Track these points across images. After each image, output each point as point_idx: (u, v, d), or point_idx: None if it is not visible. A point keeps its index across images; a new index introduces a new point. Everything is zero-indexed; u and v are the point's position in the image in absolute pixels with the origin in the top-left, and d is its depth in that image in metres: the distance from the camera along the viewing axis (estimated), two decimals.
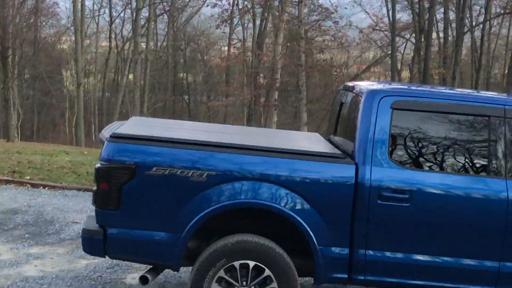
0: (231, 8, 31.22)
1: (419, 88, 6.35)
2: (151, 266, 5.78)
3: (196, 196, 5.42)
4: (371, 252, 5.57)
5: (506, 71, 33.37)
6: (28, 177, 12.14)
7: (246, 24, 36.82)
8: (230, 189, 5.45)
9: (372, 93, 5.77)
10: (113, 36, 45.27)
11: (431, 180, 5.58)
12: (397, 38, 30.39)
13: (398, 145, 5.68)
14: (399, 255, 5.58)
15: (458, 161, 5.75)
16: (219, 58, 39.81)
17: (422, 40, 28.52)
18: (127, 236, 5.49)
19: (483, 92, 6.66)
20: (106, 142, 5.47)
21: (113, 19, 43.85)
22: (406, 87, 6.34)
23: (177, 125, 7.22)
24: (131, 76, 40.71)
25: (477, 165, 5.74)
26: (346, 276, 5.60)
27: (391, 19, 30.06)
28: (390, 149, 5.61)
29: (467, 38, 33.25)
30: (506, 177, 5.61)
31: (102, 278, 6.99)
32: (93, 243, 5.54)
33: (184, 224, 5.40)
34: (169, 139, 5.55)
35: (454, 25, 30.51)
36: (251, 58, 30.80)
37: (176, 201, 5.43)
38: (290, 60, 27.68)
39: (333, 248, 5.53)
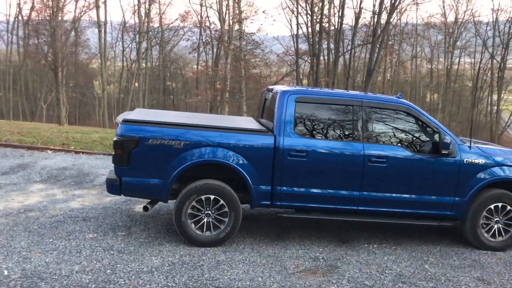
0: (198, 41, 35.60)
1: (312, 89, 6.53)
2: (150, 200, 5.91)
3: (177, 157, 5.59)
4: (284, 188, 5.84)
5: (364, 79, 34.75)
6: (72, 147, 12.04)
7: (208, 51, 38.13)
8: (198, 152, 5.62)
9: (284, 92, 5.98)
10: (124, 59, 45.89)
11: (319, 144, 5.85)
12: (300, 60, 32.06)
13: (300, 123, 5.93)
14: (301, 189, 5.86)
15: (336, 132, 6.00)
16: (191, 72, 41.73)
17: (315, 60, 30.01)
18: (134, 182, 5.66)
19: (350, 91, 6.83)
20: (120, 124, 5.54)
21: (124, 49, 44.51)
22: (304, 88, 6.48)
23: (166, 114, 7.26)
24: (136, 84, 41.58)
25: (346, 135, 5.98)
26: (269, 202, 5.83)
27: (296, 48, 31.76)
28: (295, 126, 5.77)
29: (342, 59, 35.34)
30: (362, 142, 5.83)
31: (120, 208, 7.17)
32: (113, 186, 5.71)
33: (170, 174, 5.61)
34: (159, 122, 5.71)
35: (333, 51, 32.45)
36: (211, 72, 32.29)
37: (164, 160, 5.62)
38: (235, 73, 29.80)
39: (261, 186, 5.79)
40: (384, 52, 40.97)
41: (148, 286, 4.60)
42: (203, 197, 5.63)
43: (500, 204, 6.11)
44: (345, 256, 5.76)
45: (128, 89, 44.99)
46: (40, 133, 14.51)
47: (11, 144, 11.77)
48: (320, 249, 5.92)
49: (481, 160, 6.03)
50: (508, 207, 6.12)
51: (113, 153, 5.61)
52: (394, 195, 5.92)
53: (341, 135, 5.98)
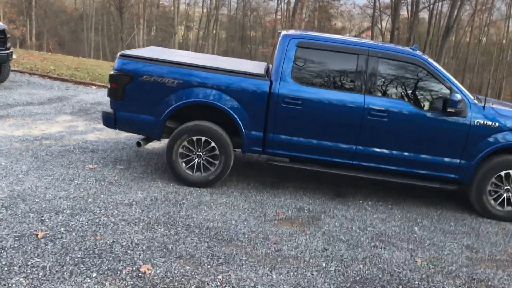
0: None
1: (317, 34, 6.04)
2: (145, 137, 5.98)
3: (169, 96, 5.60)
4: (276, 135, 5.72)
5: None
6: None
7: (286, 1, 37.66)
8: (191, 92, 5.60)
9: (285, 36, 5.75)
10: (204, 4, 46.16)
11: (316, 93, 5.64)
12: (383, 15, 30.94)
13: (299, 70, 5.70)
14: (294, 138, 5.72)
15: (336, 82, 5.76)
16: (268, 21, 40.33)
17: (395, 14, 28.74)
18: (128, 117, 5.77)
19: (358, 39, 6.41)
20: (117, 58, 5.57)
21: None
22: (308, 33, 6.00)
23: (174, 53, 7.18)
24: (214, 31, 41.82)
25: (347, 85, 5.72)
26: (261, 149, 5.75)
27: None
28: (293, 72, 5.59)
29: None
30: (364, 93, 5.55)
31: (131, 143, 7.34)
32: (108, 120, 5.85)
33: (162, 112, 5.66)
34: (155, 59, 5.70)
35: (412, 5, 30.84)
36: (286, 21, 31.91)
37: (157, 98, 5.66)
38: (308, 25, 28.87)
39: (253, 132, 5.72)
40: (473, 9, 38.30)
41: (120, 217, 4.73)
42: (194, 138, 5.63)
43: None
44: (333, 209, 5.61)
45: (206, 35, 45.36)
46: (96, 70, 15.04)
47: (61, 77, 12.32)
48: (310, 201, 5.80)
49: (494, 123, 5.54)
50: None
51: (109, 86, 5.69)
52: (392, 151, 5.62)
53: (342, 85, 5.70)
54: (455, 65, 43.40)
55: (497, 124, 5.55)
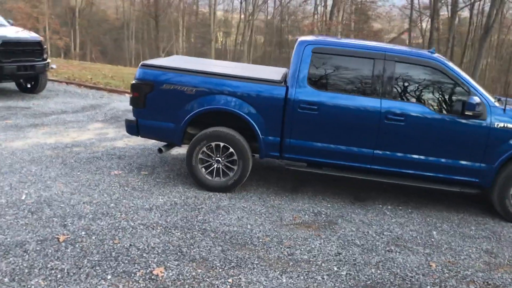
0: None
1: (333, 40, 6.10)
2: (166, 143, 6.16)
3: (189, 103, 5.76)
4: (293, 140, 5.78)
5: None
6: None
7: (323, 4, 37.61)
8: (209, 99, 5.74)
9: (301, 42, 5.82)
10: (242, 10, 46.46)
11: (332, 98, 5.67)
12: (417, 13, 30.45)
13: (315, 75, 5.77)
14: (311, 143, 5.76)
15: (353, 86, 5.77)
16: (305, 25, 40.32)
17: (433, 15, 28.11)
18: (150, 124, 5.96)
19: (375, 43, 6.37)
20: (138, 68, 5.76)
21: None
22: (324, 39, 6.10)
23: (196, 61, 7.23)
24: (253, 37, 42.31)
25: (364, 89, 5.71)
26: (278, 154, 5.82)
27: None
28: (309, 78, 5.65)
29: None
30: (381, 97, 5.54)
31: (154, 149, 7.33)
32: (131, 128, 6.05)
33: (182, 119, 5.81)
34: (175, 67, 5.87)
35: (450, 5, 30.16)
36: (322, 24, 31.98)
37: (177, 105, 5.81)
38: (345, 28, 28.99)
39: (270, 137, 5.80)
40: None
41: (139, 221, 4.91)
42: (213, 144, 5.75)
43: None
44: (351, 214, 5.62)
45: (244, 40, 45.77)
46: (131, 78, 15.44)
47: (96, 86, 12.75)
48: (329, 205, 5.82)
49: None
50: None
51: (131, 95, 5.90)
52: (412, 155, 5.58)
53: (359, 90, 5.70)
54: (498, 65, 42.14)
55: None
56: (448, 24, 31.80)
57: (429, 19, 32.58)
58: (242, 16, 47.23)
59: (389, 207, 5.93)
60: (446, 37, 31.64)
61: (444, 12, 36.54)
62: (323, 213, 5.57)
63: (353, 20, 36.03)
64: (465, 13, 38.58)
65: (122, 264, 4.07)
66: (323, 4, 40.03)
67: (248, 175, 5.95)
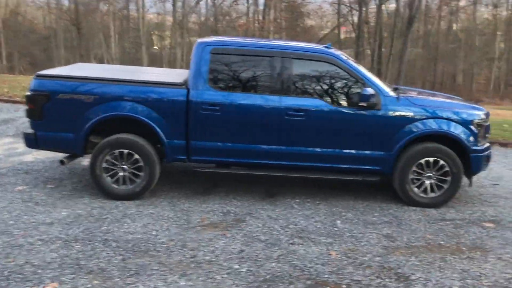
0: None
1: (231, 40, 6.22)
2: (69, 154, 5.99)
3: (87, 111, 5.63)
4: (199, 142, 5.78)
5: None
6: None
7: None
8: (108, 106, 5.64)
9: (200, 43, 5.83)
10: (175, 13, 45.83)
11: (232, 98, 5.73)
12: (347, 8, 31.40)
13: (215, 76, 5.80)
14: (217, 143, 5.80)
15: (253, 85, 5.87)
16: (238, 25, 40.42)
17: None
18: (48, 136, 5.78)
19: (272, 41, 6.50)
20: (32, 79, 5.58)
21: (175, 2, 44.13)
22: (222, 39, 6.18)
23: (98, 68, 7.15)
24: (187, 40, 41.63)
25: (263, 87, 5.81)
26: (185, 157, 5.81)
27: None
28: (210, 79, 5.66)
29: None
30: (280, 94, 5.65)
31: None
32: (29, 140, 5.84)
33: (81, 128, 5.65)
34: (70, 76, 5.73)
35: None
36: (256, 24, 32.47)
37: (76, 114, 5.68)
38: (275, 25, 29.41)
39: (175, 141, 5.77)
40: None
41: (37, 237, 4.75)
42: (116, 151, 5.66)
43: (432, 159, 5.76)
44: (259, 210, 5.68)
45: (176, 43, 45.11)
46: None
47: (12, 99, 12.26)
48: (239, 204, 5.87)
49: (409, 113, 5.68)
50: (441, 162, 5.76)
51: (26, 107, 5.71)
52: (314, 149, 5.72)
53: (258, 88, 5.79)
54: (426, 54, 43.83)
55: (412, 114, 5.68)
56: (376, 17, 32.84)
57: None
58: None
59: (297, 200, 6.05)
60: (369, 31, 32.67)
61: (374, 6, 37.53)
62: (232, 212, 5.61)
63: (284, 18, 36.41)
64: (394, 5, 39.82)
65: (14, 283, 3.93)
66: (253, 2, 40.29)
67: (160, 180, 5.90)
